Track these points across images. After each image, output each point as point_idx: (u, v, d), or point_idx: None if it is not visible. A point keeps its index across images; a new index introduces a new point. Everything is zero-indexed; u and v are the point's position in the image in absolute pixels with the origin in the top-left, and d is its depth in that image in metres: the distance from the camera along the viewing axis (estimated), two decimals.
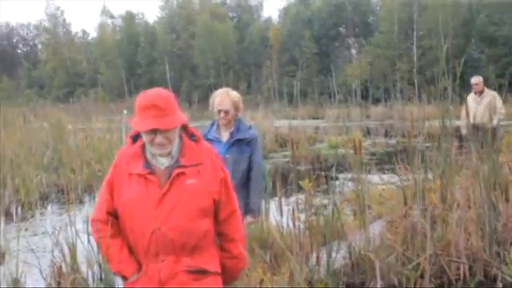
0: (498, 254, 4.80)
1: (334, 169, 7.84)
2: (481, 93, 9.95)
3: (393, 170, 8.72)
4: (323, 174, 8.06)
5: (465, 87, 9.53)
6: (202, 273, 2.54)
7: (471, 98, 9.88)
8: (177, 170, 2.48)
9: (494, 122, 8.99)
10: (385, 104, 42.89)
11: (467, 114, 8.47)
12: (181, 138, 2.56)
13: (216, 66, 65.27)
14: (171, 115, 2.41)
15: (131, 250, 2.56)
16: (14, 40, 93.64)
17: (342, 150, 13.60)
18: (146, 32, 74.79)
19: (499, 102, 9.82)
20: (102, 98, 54.71)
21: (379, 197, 7.59)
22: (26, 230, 7.48)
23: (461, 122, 9.61)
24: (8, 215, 8.81)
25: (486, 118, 9.01)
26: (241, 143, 4.26)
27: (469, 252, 4.76)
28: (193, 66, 69.02)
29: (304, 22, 63.21)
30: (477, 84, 9.97)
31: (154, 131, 2.39)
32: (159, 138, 2.42)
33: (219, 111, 4.22)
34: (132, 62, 71.84)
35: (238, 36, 68.60)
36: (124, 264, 2.54)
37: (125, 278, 2.57)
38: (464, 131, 9.53)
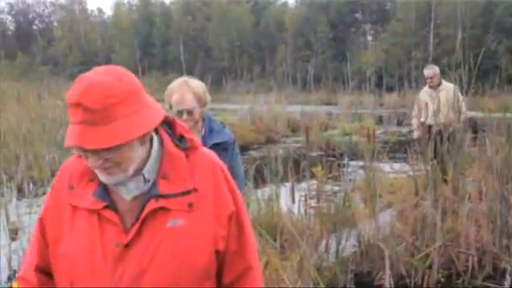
0: (508, 248, 4.81)
1: (345, 156, 7.83)
2: (437, 87, 7.88)
3: (405, 160, 8.72)
4: (335, 161, 8.06)
5: (483, 78, 9.31)
6: None
7: (425, 92, 8.10)
8: (152, 204, 1.41)
9: (462, 119, 6.75)
10: (398, 92, 42.56)
11: (419, 112, 8.02)
12: (162, 144, 1.49)
13: (230, 49, 65.12)
14: (113, 121, 1.31)
15: None
16: (30, 16, 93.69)
17: (354, 138, 13.63)
18: (162, 12, 74.77)
19: (460, 96, 6.91)
20: None
21: (390, 186, 7.60)
22: (38, 206, 7.55)
23: (413, 122, 8.33)
24: (20, 191, 8.93)
25: (450, 117, 6.96)
26: (218, 148, 2.85)
27: (478, 244, 4.78)
28: (207, 48, 68.86)
29: (320, 6, 62.68)
30: (431, 77, 7.91)
31: (83, 149, 1.34)
32: (93, 160, 1.35)
33: (179, 112, 2.87)
34: (147, 42, 71.85)
35: (254, 19, 68.24)
36: None
37: None
38: (416, 134, 8.15)
